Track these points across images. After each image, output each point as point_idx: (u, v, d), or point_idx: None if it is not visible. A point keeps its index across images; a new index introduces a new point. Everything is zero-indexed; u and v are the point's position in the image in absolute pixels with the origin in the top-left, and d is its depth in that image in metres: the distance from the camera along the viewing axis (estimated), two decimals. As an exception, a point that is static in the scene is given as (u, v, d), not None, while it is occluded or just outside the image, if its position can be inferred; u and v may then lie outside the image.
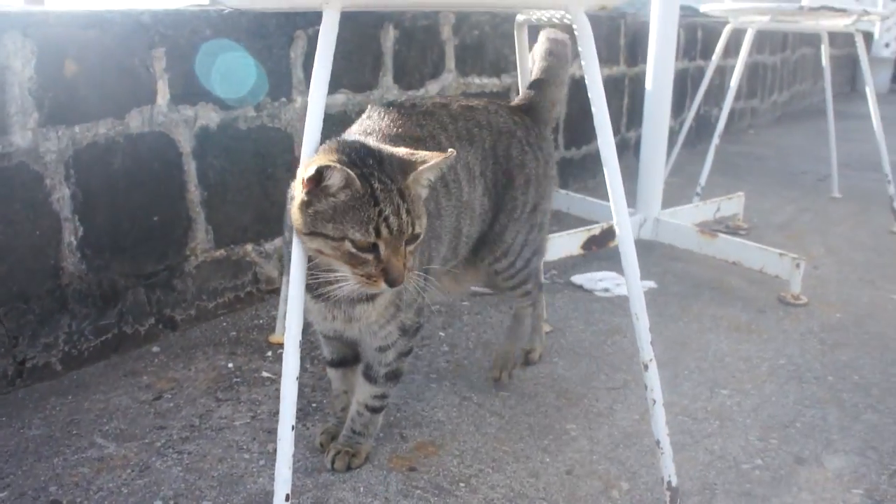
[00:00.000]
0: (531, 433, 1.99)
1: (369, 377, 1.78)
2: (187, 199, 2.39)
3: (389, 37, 2.99)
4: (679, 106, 5.63)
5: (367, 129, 1.76)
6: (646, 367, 1.62)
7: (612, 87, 4.77)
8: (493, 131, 1.96)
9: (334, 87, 2.76)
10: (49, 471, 1.75)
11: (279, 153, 2.61)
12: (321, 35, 1.51)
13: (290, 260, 1.52)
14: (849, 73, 11.34)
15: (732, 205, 3.78)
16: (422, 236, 1.51)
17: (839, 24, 4.11)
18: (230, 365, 2.25)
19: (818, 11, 3.74)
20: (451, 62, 3.32)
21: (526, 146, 2.01)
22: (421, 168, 1.48)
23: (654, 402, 1.61)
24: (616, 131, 4.76)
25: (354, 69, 2.84)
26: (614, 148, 1.63)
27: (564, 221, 3.52)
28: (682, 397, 2.20)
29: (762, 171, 5.40)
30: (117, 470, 1.77)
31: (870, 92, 4.12)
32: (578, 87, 4.32)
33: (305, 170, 1.42)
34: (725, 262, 3.14)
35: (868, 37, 13.90)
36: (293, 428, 1.48)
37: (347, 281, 1.46)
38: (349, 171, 1.39)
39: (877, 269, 3.38)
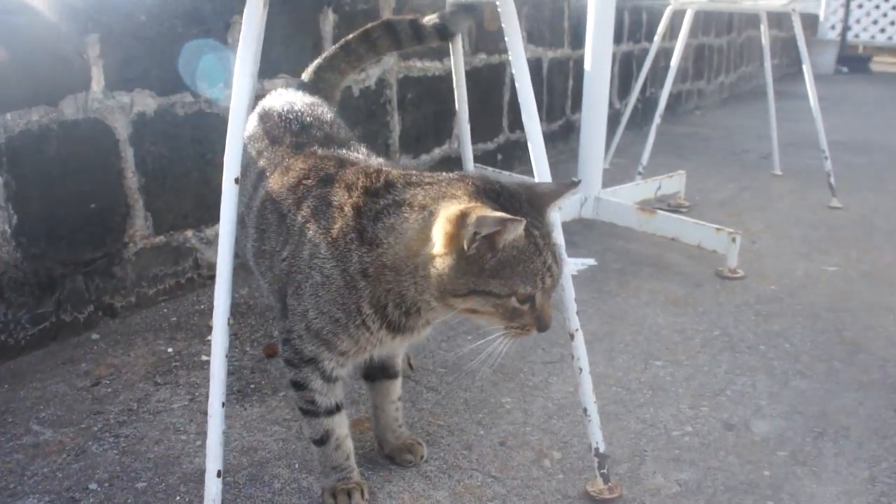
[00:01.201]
0: (466, 407, 2.02)
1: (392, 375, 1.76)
2: (125, 185, 2.39)
3: (329, 21, 3.00)
4: (625, 88, 5.69)
5: (314, 141, 1.67)
6: (572, 336, 1.66)
7: (557, 70, 4.81)
8: (330, 114, 1.88)
9: (273, 72, 2.77)
10: (-16, 457, 1.76)
11: (218, 139, 2.61)
12: (245, 16, 1.52)
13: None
14: (795, 55, 11.46)
15: (673, 183, 3.84)
16: None
17: (776, 4, 4.19)
18: (170, 350, 2.26)
19: (755, -8, 3.81)
20: (391, 46, 3.33)
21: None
22: (553, 203, 1.43)
23: (581, 370, 1.66)
24: (561, 113, 4.82)
25: (293, 54, 2.84)
26: (538, 121, 1.67)
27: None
28: (617, 369, 2.25)
29: (706, 151, 5.48)
30: (53, 455, 1.77)
31: (807, 71, 4.20)
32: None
33: (452, 216, 1.29)
34: (665, 239, 3.20)
35: (814, 19, 14.12)
36: (223, 405, 1.50)
37: (496, 333, 1.39)
38: (524, 224, 1.29)
39: (813, 242, 3.47)
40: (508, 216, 1.26)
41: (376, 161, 1.60)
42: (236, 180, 1.49)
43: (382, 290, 1.41)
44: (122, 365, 2.18)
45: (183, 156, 2.53)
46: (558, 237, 1.64)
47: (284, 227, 1.52)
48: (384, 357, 1.70)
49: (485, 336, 1.40)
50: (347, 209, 1.43)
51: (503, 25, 1.67)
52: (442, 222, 1.31)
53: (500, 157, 4.27)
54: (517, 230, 1.28)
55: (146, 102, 2.40)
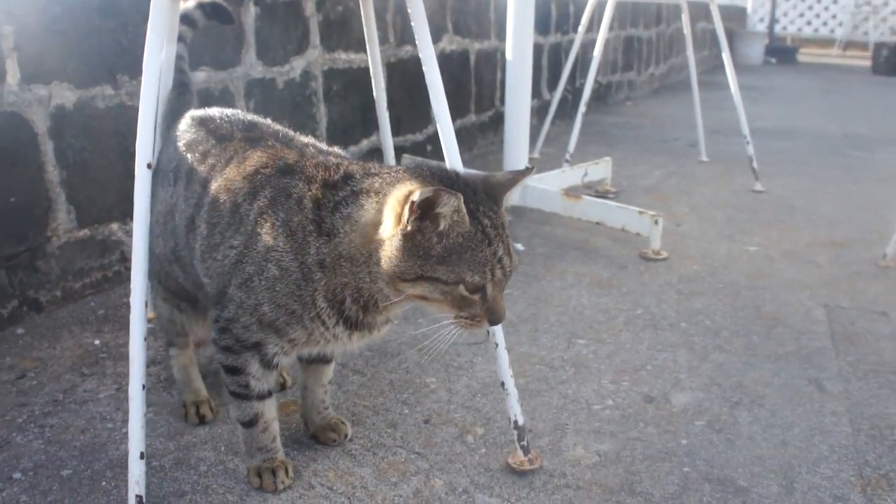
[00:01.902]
0: (391, 388, 2.05)
1: (326, 360, 1.79)
2: (45, 179, 2.37)
3: (250, 13, 3.00)
4: (555, 79, 5.75)
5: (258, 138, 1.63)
6: (487, 312, 1.69)
7: (485, 62, 4.86)
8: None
9: (194, 64, 2.76)
10: None
11: (141, 131, 2.60)
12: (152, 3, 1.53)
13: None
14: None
15: (599, 169, 3.91)
16: None
17: (696, -6, 4.29)
18: (97, 342, 2.26)
19: (674, -18, 3.90)
20: (315, 38, 3.35)
21: None
22: (509, 191, 1.44)
23: (497, 345, 1.70)
24: (490, 104, 4.87)
25: (214, 46, 2.84)
26: (447, 107, 1.69)
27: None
28: (541, 348, 2.29)
29: (635, 140, 5.58)
30: (-25, 448, 1.77)
31: (727, 59, 4.31)
32: (449, 61, 4.40)
33: (400, 195, 1.32)
34: (590, 224, 3.26)
35: (742, 11, 14.41)
36: (144, 387, 1.52)
37: (447, 321, 1.39)
38: (461, 199, 1.29)
39: (736, 224, 3.56)
40: (443, 187, 1.28)
41: (336, 154, 1.61)
42: (149, 165, 1.50)
43: (339, 284, 1.42)
44: (48, 358, 2.17)
45: (105, 149, 2.52)
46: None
47: (237, 217, 1.50)
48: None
49: (436, 321, 1.42)
50: (306, 202, 1.43)
51: (409, 11, 1.70)
52: (391, 202, 1.34)
53: (429, 147, 4.29)
54: (452, 202, 1.28)
55: (65, 95, 2.39)
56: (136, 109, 2.54)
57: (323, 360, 1.76)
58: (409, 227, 1.31)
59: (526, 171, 1.49)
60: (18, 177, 2.30)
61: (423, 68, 1.69)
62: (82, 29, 2.40)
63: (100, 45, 2.47)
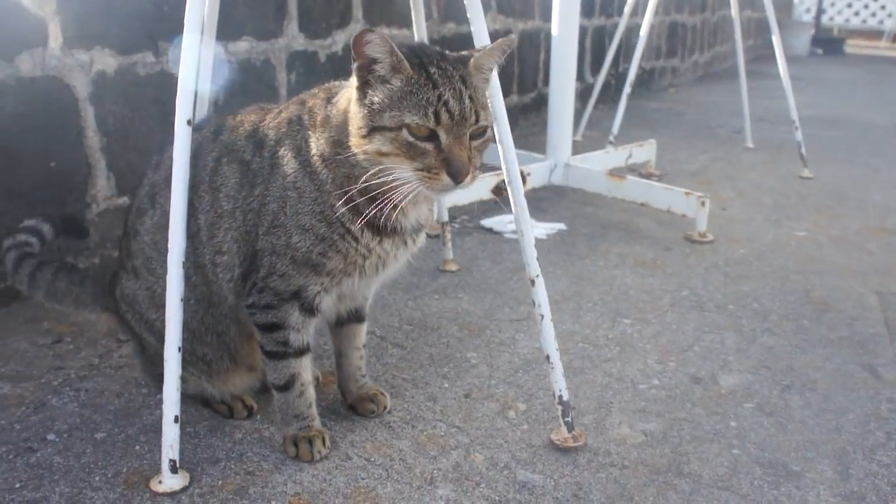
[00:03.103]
0: (431, 362, 2.01)
1: (360, 319, 1.76)
2: (85, 145, 2.35)
3: (293, -17, 2.97)
4: (598, 63, 5.66)
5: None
6: (532, 282, 1.64)
7: (529, 42, 4.79)
8: None
9: (237, 34, 2.73)
10: (-61, 411, 1.73)
11: (182, 100, 2.57)
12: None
13: None
14: (770, 36, 11.52)
15: (644, 152, 3.83)
16: (488, 132, 1.41)
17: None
18: (133, 309, 2.23)
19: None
20: (358, 12, 3.30)
21: None
22: (482, 52, 1.44)
23: (542, 317, 1.64)
24: (533, 86, 4.81)
25: (257, 16, 2.81)
26: (498, 87, 1.65)
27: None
28: (585, 327, 2.24)
29: (679, 125, 5.49)
30: (11, 408, 1.74)
31: (776, 42, 4.21)
32: (492, 40, 4.33)
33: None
34: (635, 205, 3.19)
35: (789, 1, 14.18)
36: (180, 349, 1.48)
37: (410, 182, 1.35)
38: (386, 37, 1.33)
39: (783, 209, 3.47)
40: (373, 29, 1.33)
41: None
42: (188, 122, 1.47)
43: (342, 175, 1.44)
44: (85, 323, 2.15)
45: (145, 116, 2.49)
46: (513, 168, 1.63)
47: (250, 173, 1.52)
48: (370, 288, 1.70)
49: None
50: (305, 117, 1.51)
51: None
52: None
53: (471, 127, 4.24)
54: (376, 38, 1.32)
55: (106, 61, 2.36)
56: (177, 77, 2.54)
57: (356, 318, 1.74)
58: (356, 80, 1.37)
59: (509, 40, 1.46)
60: (59, 142, 2.28)
61: (474, 41, 1.65)
62: (125, -6, 2.38)
63: (141, 10, 2.44)
